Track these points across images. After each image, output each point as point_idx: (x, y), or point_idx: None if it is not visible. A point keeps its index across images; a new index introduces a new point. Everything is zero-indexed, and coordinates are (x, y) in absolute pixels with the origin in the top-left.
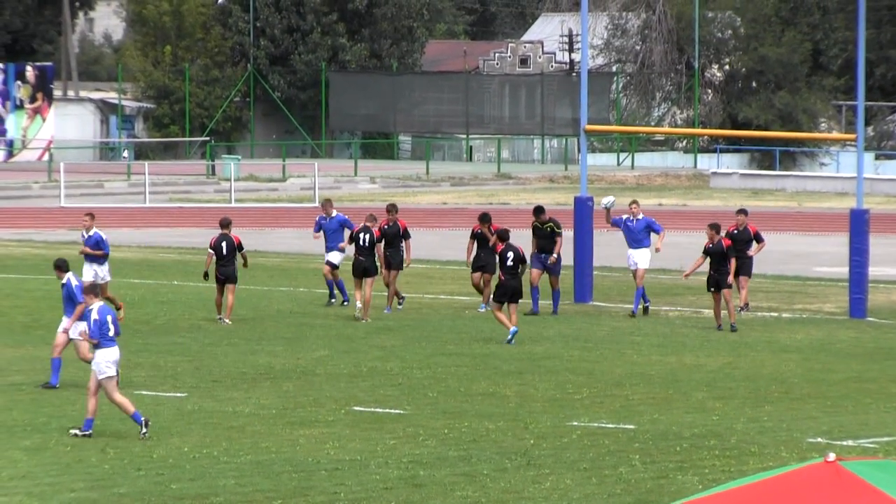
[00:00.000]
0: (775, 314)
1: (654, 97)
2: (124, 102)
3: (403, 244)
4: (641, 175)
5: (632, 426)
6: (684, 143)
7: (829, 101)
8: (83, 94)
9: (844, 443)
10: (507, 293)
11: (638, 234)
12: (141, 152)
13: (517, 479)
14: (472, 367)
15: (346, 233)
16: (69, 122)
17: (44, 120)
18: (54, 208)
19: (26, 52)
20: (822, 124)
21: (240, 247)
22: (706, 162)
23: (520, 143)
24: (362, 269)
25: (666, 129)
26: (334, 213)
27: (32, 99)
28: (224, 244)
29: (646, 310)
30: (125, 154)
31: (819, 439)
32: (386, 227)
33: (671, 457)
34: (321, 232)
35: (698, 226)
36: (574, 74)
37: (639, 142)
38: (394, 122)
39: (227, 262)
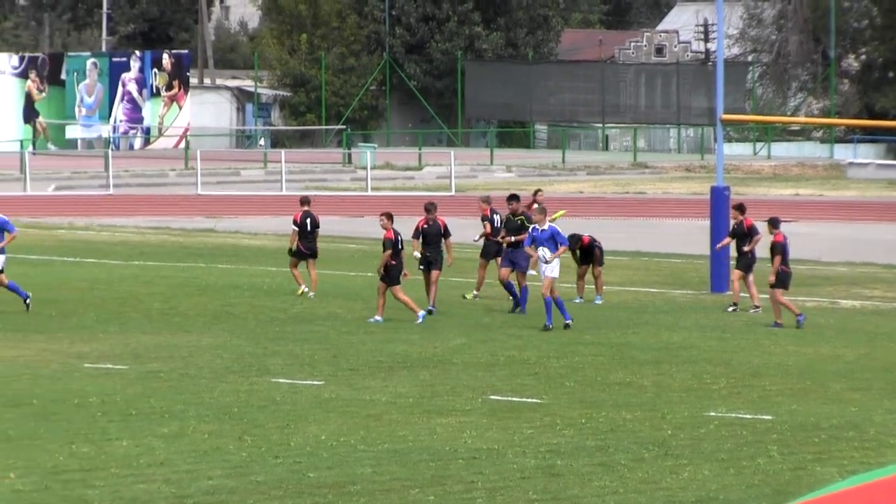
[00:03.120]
0: None
1: (790, 87)
2: (260, 90)
3: (444, 243)
4: (777, 165)
5: (769, 417)
6: (820, 133)
7: None
8: (219, 81)
9: None
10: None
11: (544, 244)
12: (277, 140)
13: (654, 470)
14: (609, 357)
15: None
16: (205, 110)
17: (180, 108)
18: (191, 195)
19: (163, 40)
20: None
21: (318, 224)
22: (842, 152)
23: (656, 133)
24: (494, 252)
25: (802, 118)
26: None
27: (169, 87)
28: (308, 220)
29: (566, 326)
30: (261, 142)
31: None
32: (426, 226)
33: (809, 448)
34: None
35: (835, 216)
36: (709, 64)
37: (775, 132)
38: (530, 111)
39: (311, 237)
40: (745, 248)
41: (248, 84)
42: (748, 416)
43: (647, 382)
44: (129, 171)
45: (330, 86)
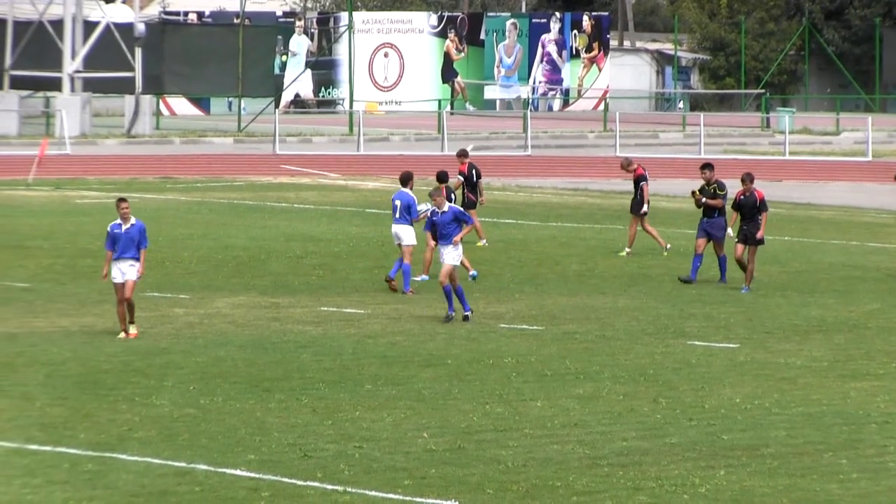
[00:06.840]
0: None
1: None
2: (680, 54)
3: (761, 217)
4: None
5: None
6: None
7: None
8: (639, 44)
9: None
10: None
11: (445, 228)
12: (696, 103)
13: None
14: None
15: None
16: (625, 73)
17: (600, 70)
18: (609, 157)
19: (583, 2)
20: None
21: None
22: None
23: None
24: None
25: None
26: None
27: (589, 48)
28: (473, 171)
29: (465, 318)
30: (680, 105)
31: None
32: (742, 198)
33: None
34: None
35: None
36: None
37: None
38: None
39: (476, 187)
40: None
41: (667, 47)
42: None
43: None
44: (547, 132)
45: (749, 50)
